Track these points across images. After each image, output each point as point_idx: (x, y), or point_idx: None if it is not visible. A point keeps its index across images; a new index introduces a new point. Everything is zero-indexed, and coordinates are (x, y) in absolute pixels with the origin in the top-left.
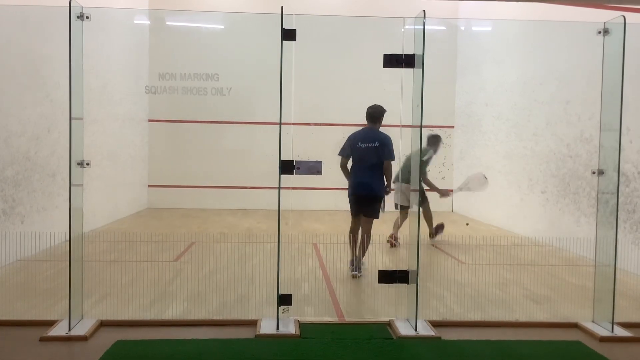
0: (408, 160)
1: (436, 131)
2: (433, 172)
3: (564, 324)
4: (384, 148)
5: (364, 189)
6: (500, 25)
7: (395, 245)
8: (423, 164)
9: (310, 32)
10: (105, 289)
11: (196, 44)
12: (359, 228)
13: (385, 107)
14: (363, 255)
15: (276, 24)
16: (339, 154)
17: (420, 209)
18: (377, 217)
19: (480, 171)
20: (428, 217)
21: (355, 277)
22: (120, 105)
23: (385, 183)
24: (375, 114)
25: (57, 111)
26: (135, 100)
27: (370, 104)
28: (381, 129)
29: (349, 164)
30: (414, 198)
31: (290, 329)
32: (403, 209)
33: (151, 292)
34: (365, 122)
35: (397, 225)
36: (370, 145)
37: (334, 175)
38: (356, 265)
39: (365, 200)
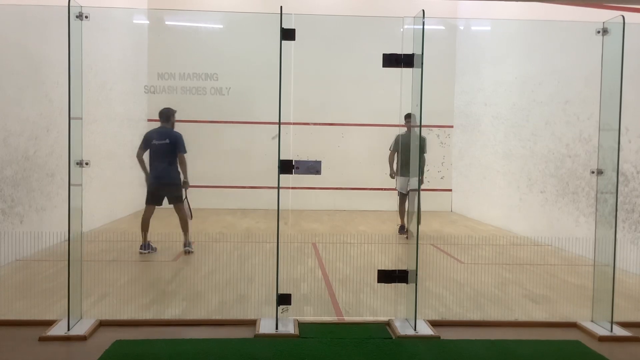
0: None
1: (435, 131)
2: (432, 172)
3: (563, 324)
4: (177, 144)
5: (164, 178)
6: (499, 25)
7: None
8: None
9: (310, 31)
10: (104, 289)
11: (195, 44)
12: (151, 215)
13: (390, 106)
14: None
15: (275, 23)
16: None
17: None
18: (182, 202)
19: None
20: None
21: (148, 253)
22: (119, 105)
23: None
24: (167, 114)
25: (55, 111)
26: (134, 99)
27: (369, 104)
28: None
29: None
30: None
31: (289, 328)
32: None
33: (150, 292)
34: (363, 123)
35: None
36: (162, 142)
37: (334, 175)
38: (147, 244)
39: (166, 188)
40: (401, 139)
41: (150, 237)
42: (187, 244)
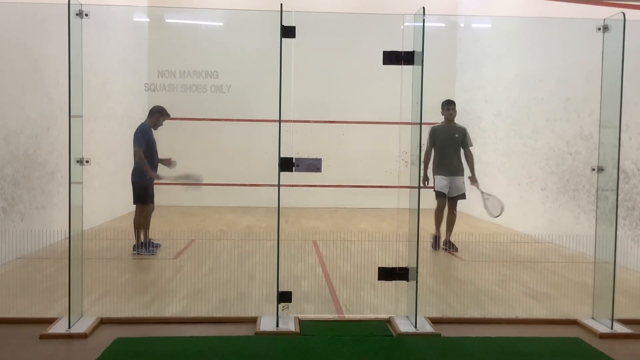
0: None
1: None
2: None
3: (563, 321)
4: (135, 138)
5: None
6: (499, 22)
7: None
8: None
9: (310, 29)
10: (105, 287)
11: (195, 41)
12: (150, 213)
13: (390, 104)
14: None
15: (275, 21)
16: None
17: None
18: (137, 203)
19: (501, 202)
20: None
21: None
22: (119, 103)
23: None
24: (151, 110)
25: (56, 109)
26: (134, 97)
27: (369, 101)
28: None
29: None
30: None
31: (290, 326)
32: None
33: (151, 290)
34: (363, 120)
35: (440, 222)
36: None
37: (334, 173)
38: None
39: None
40: (438, 132)
41: (150, 234)
42: (135, 246)
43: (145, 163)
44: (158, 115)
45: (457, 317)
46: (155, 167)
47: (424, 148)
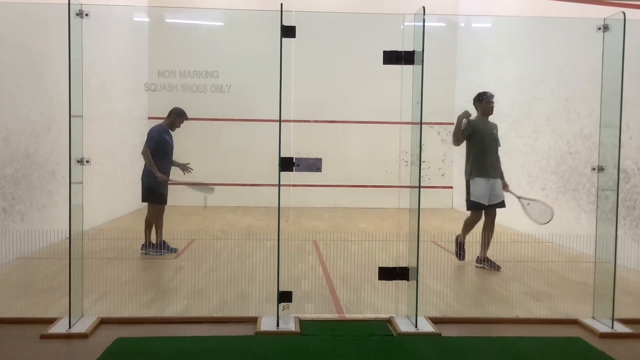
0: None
1: (436, 128)
2: (433, 169)
3: (564, 321)
4: (147, 138)
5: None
6: (499, 22)
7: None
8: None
9: (310, 29)
10: (106, 287)
11: (195, 41)
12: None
13: (390, 104)
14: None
15: (276, 21)
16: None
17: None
18: (148, 200)
19: (550, 207)
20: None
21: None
22: (119, 103)
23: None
24: (169, 112)
25: (56, 109)
26: (134, 97)
27: (369, 101)
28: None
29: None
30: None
31: (290, 325)
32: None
33: (151, 290)
34: (363, 120)
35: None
36: None
37: (334, 173)
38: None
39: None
40: (477, 126)
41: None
42: (144, 245)
43: (150, 163)
44: (174, 117)
45: (457, 316)
46: (165, 169)
47: (424, 148)
